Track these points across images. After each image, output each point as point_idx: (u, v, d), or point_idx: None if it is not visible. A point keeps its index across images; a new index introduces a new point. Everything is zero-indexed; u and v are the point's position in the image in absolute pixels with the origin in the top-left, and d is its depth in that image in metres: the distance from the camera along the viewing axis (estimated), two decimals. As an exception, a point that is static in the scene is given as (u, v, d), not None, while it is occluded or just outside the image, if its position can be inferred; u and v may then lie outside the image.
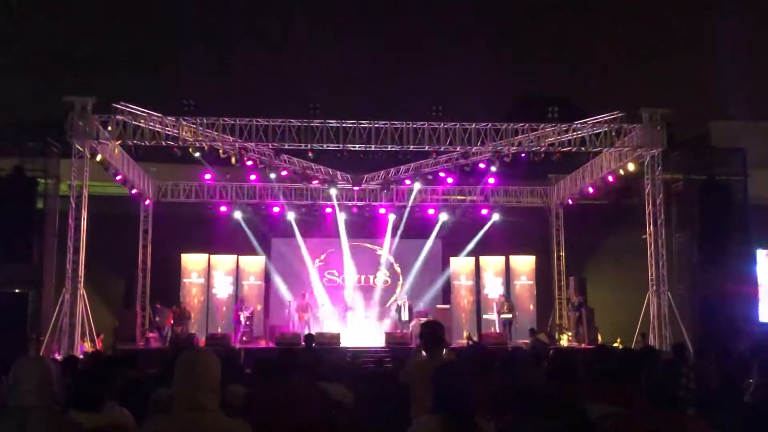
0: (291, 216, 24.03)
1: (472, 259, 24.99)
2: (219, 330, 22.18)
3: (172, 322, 21.31)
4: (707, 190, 20.09)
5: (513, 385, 5.25)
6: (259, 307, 23.39)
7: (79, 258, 18.39)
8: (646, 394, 3.89)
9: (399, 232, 24.58)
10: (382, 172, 23.23)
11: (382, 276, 25.13)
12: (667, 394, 3.77)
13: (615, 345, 20.30)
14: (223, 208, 23.71)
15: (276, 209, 23.97)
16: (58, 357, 15.77)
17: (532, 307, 24.45)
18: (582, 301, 22.41)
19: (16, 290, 18.38)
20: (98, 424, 4.31)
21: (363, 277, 25.01)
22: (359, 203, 24.41)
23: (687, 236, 20.27)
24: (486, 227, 24.57)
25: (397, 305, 23.05)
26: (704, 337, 17.81)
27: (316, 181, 23.23)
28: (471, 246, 24.57)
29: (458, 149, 19.98)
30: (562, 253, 25.03)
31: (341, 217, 24.22)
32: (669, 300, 19.25)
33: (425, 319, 20.19)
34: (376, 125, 19.09)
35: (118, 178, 20.54)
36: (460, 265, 25.02)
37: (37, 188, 18.79)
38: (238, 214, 23.69)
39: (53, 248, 18.84)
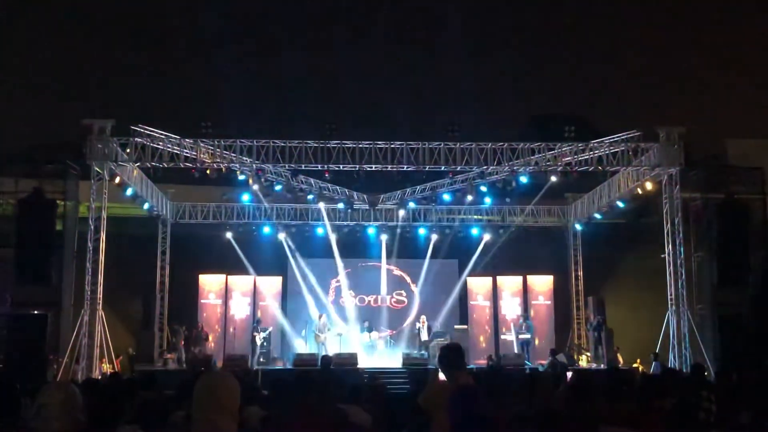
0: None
1: (490, 279, 24.89)
2: (236, 351, 22.15)
3: (183, 342, 21.39)
4: (726, 209, 19.91)
5: (532, 407, 5.22)
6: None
7: (98, 279, 18.51)
8: (668, 416, 3.86)
9: (415, 253, 24.56)
10: (399, 192, 23.22)
11: (398, 296, 25.09)
12: (689, 416, 3.74)
13: (634, 366, 20.14)
14: (240, 229, 23.84)
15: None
16: (78, 378, 15.81)
17: (550, 327, 24.31)
18: (601, 321, 22.20)
19: (35, 312, 18.44)
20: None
21: (379, 297, 24.93)
22: (376, 224, 24.43)
23: (706, 255, 20.08)
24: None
25: (415, 325, 22.96)
26: (725, 358, 17.63)
27: (341, 205, 23.15)
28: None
29: (474, 169, 19.97)
30: (580, 273, 24.87)
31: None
32: (688, 319, 19.06)
33: (443, 339, 20.09)
34: (392, 146, 19.14)
35: (137, 200, 20.67)
36: (477, 284, 24.92)
37: (56, 210, 18.85)
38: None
39: (72, 270, 18.90)
